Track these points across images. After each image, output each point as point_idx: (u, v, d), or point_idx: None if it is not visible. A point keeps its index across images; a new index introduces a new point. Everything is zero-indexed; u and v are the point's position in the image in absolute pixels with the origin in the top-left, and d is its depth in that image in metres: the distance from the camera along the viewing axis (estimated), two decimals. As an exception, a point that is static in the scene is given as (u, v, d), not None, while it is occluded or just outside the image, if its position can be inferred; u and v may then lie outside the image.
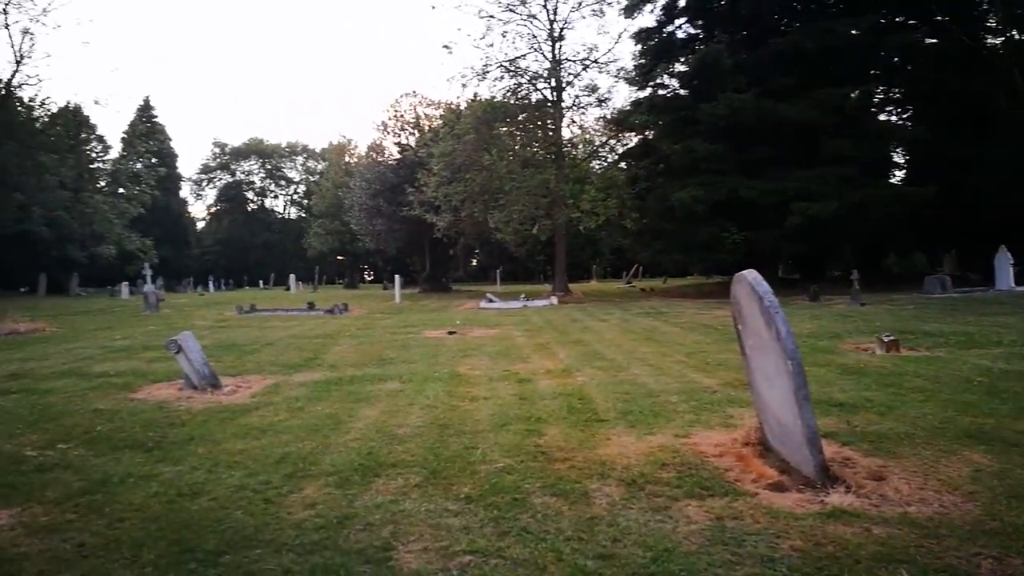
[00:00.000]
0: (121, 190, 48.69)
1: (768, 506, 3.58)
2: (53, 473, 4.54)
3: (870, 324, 12.78)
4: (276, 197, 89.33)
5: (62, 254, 41.32)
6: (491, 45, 33.55)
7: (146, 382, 8.16)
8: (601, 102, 31.35)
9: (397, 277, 30.98)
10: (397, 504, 3.79)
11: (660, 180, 29.59)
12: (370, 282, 71.69)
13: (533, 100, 31.03)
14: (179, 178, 70.74)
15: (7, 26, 35.22)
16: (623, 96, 60.85)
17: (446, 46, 36.47)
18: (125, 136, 58.60)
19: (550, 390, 7.12)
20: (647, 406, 6.15)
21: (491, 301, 23.80)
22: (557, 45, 30.27)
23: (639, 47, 32.42)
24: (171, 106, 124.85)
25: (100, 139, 48.91)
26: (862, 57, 26.36)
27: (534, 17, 29.96)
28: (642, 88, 31.62)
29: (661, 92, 31.26)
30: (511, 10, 29.46)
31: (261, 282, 67.87)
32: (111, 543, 3.35)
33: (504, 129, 31.31)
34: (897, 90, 30.50)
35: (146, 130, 60.64)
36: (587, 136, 35.63)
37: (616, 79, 31.65)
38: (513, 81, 30.35)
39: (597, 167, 34.84)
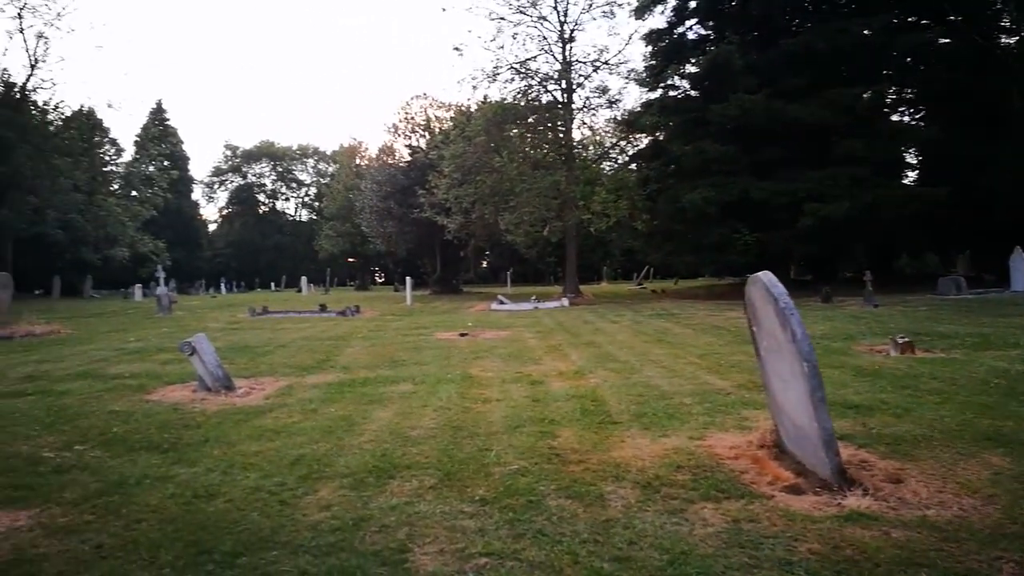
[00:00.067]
0: (134, 193, 49.08)
1: (785, 509, 3.56)
2: (71, 474, 4.57)
3: (884, 325, 12.70)
4: (287, 199, 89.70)
5: (76, 257, 41.62)
6: (501, 47, 33.38)
7: (160, 384, 8.20)
8: (612, 103, 31.29)
9: (408, 279, 31.03)
10: (412, 506, 3.79)
11: (671, 181, 29.51)
12: (381, 284, 71.84)
13: (543, 102, 30.99)
14: (191, 181, 71.32)
15: (22, 30, 35.70)
16: (634, 97, 60.65)
17: (457, 48, 36.72)
18: (138, 139, 59.12)
19: (563, 392, 7.11)
20: (661, 408, 6.14)
21: (502, 303, 23.79)
22: (567, 47, 30.26)
23: (650, 48, 32.43)
24: (183, 109, 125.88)
25: (113, 142, 49.32)
26: (874, 57, 26.22)
27: (544, 19, 29.98)
28: (653, 89, 31.54)
29: (672, 93, 31.20)
30: (522, 12, 29.48)
31: (273, 284, 68.13)
32: (129, 544, 3.36)
33: (515, 131, 31.27)
34: (910, 90, 30.30)
35: (159, 133, 61.11)
36: (598, 137, 35.52)
37: (627, 80, 31.57)
38: (524, 83, 30.36)
39: (608, 168, 34.74)
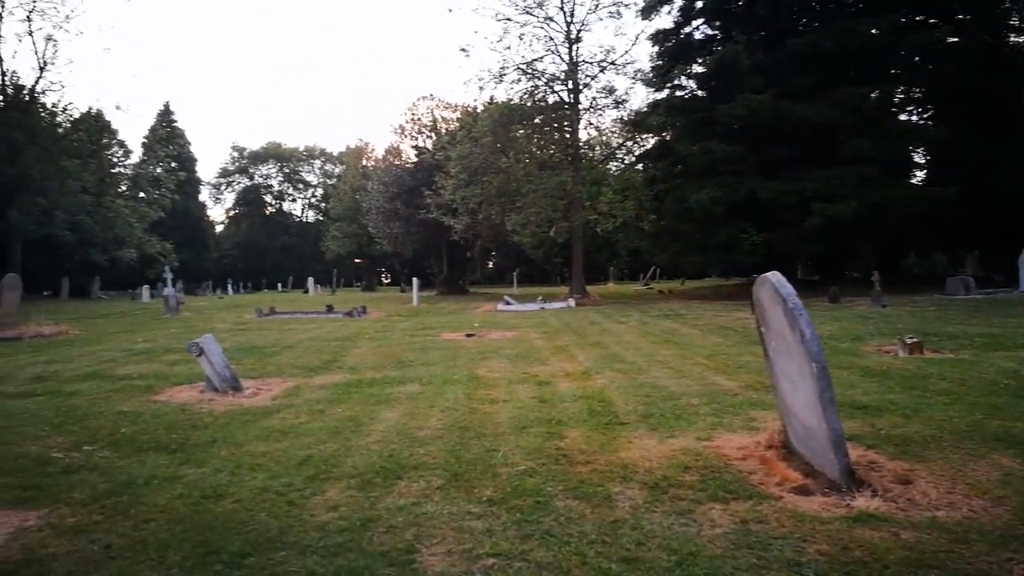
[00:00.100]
0: (142, 194, 49.27)
1: (793, 510, 3.55)
2: (79, 475, 4.59)
3: (892, 326, 12.64)
4: (294, 200, 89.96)
5: (84, 258, 41.79)
6: (508, 48, 33.55)
7: (168, 384, 8.23)
8: (618, 104, 31.26)
9: (414, 280, 31.08)
10: (419, 506, 3.80)
11: (678, 181, 29.46)
12: (387, 285, 71.93)
13: (550, 102, 30.98)
14: (198, 182, 71.55)
15: (31, 33, 36.05)
16: (640, 98, 60.88)
17: (463, 49, 36.62)
18: (146, 141, 59.42)
19: (570, 393, 7.10)
20: (668, 409, 6.12)
21: (508, 303, 23.80)
22: (574, 47, 30.23)
23: (656, 48, 32.38)
24: (190, 111, 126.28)
25: (121, 144, 49.58)
26: (882, 56, 26.12)
27: (551, 19, 29.94)
28: (659, 89, 31.52)
29: (678, 93, 31.15)
30: (528, 13, 29.47)
31: (279, 285, 68.30)
32: (137, 544, 3.38)
33: (521, 131, 31.30)
34: (918, 89, 30.13)
35: (166, 135, 61.39)
36: (604, 138, 35.56)
37: (633, 81, 31.56)
38: (530, 83, 30.34)
39: (614, 169, 34.71)
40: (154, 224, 48.06)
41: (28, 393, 7.87)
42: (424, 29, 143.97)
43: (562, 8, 29.88)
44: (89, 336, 15.36)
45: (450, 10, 61.64)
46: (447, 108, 40.25)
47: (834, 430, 3.74)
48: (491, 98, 31.26)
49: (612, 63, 30.27)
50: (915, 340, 9.11)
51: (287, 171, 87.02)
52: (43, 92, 34.97)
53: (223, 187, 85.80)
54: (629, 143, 33.92)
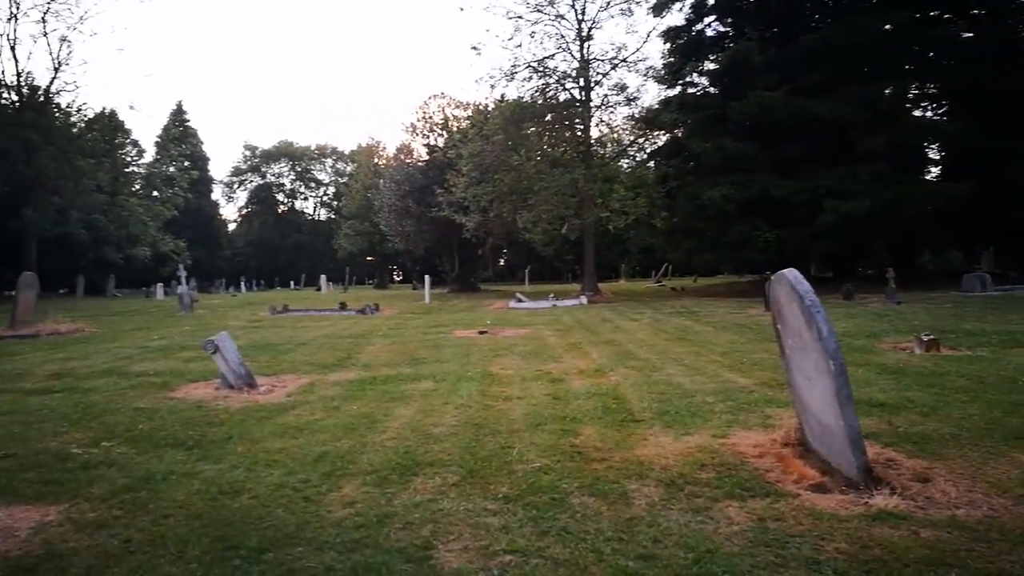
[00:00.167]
0: (155, 193, 49.66)
1: (811, 507, 3.53)
2: (98, 470, 4.63)
3: (907, 323, 12.56)
4: (306, 199, 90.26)
5: (99, 256, 42.13)
6: (519, 45, 33.34)
7: (184, 381, 8.29)
8: (630, 101, 31.13)
9: (426, 277, 31.14)
10: (436, 503, 3.80)
11: (690, 179, 29.37)
12: (399, 282, 72.07)
13: (561, 100, 30.92)
14: (211, 181, 71.94)
15: (46, 34, 36.35)
16: (652, 95, 60.59)
17: (474, 47, 36.82)
18: (159, 140, 59.87)
19: (584, 390, 7.10)
20: (683, 406, 6.11)
21: (520, 301, 23.80)
22: (585, 45, 30.17)
23: (668, 45, 32.27)
24: (203, 110, 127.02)
25: (135, 143, 50.03)
26: (896, 52, 25.85)
27: (562, 17, 29.89)
28: (671, 86, 31.42)
29: (691, 90, 31.03)
30: (539, 10, 29.41)
31: (292, 283, 68.60)
32: (156, 539, 3.40)
33: (532, 129, 31.24)
34: (932, 85, 29.82)
35: (179, 134, 61.83)
36: (616, 135, 35.43)
37: (645, 78, 31.42)
38: (541, 81, 30.29)
39: (626, 166, 34.65)
40: (168, 222, 48.39)
41: (47, 390, 7.95)
42: (435, 28, 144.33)
43: (573, 6, 29.85)
44: (105, 333, 15.48)
45: (461, 9, 61.87)
46: (458, 106, 40.27)
47: (852, 428, 3.72)
48: (502, 96, 31.31)
49: (623, 60, 30.19)
50: (931, 337, 9.04)
51: (299, 170, 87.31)
52: (58, 92, 35.33)
53: (235, 186, 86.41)
54: (641, 140, 33.80)
